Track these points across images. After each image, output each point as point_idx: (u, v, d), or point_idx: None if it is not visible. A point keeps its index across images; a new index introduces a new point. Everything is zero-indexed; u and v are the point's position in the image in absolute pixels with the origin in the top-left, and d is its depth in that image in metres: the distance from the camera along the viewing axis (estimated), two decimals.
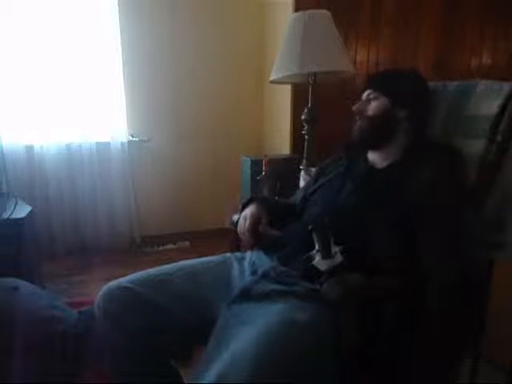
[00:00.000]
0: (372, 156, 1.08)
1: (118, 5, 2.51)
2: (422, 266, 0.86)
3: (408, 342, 0.82)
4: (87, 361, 1.31)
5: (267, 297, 0.86)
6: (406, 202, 0.89)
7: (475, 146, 0.97)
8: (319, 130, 1.77)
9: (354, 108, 1.03)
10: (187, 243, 2.89)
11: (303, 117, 1.77)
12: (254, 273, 0.99)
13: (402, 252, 0.88)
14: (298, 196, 1.28)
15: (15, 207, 1.81)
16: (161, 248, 2.82)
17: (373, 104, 1.00)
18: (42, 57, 2.41)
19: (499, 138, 0.94)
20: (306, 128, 1.77)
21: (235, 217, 1.40)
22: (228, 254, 1.15)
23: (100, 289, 0.98)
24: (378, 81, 1.03)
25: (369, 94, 1.03)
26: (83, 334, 1.35)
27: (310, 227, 0.92)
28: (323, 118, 1.73)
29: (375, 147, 1.05)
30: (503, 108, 0.94)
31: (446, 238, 0.86)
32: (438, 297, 0.82)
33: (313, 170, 1.55)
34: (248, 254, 1.11)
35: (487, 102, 0.97)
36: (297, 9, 2.30)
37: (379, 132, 1.01)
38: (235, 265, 1.06)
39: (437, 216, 0.88)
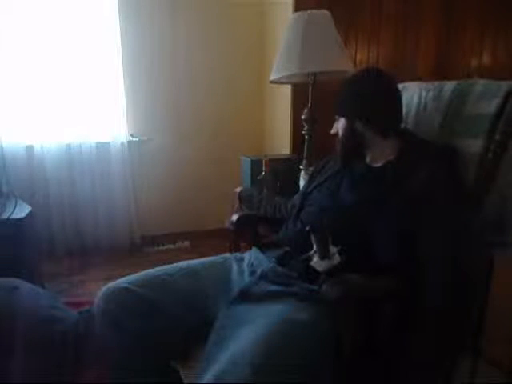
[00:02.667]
0: (368, 155, 1.09)
1: (118, 5, 2.51)
2: (420, 264, 0.86)
3: (407, 341, 0.82)
4: (87, 361, 1.31)
5: (266, 298, 0.86)
6: (403, 200, 0.90)
7: (474, 146, 0.97)
8: (319, 130, 1.77)
9: (331, 131, 1.14)
10: (187, 243, 2.89)
11: (303, 117, 1.77)
12: (252, 274, 0.99)
13: (400, 251, 0.88)
14: (296, 196, 1.28)
15: (15, 207, 1.81)
16: (161, 248, 2.82)
17: (338, 126, 1.11)
18: (42, 57, 2.41)
19: (497, 137, 0.94)
20: (305, 128, 1.77)
21: (234, 217, 1.41)
22: (227, 255, 1.15)
23: (100, 289, 0.98)
24: (336, 105, 1.12)
25: (336, 118, 1.14)
26: (83, 334, 1.35)
27: (307, 228, 0.92)
28: (323, 118, 1.73)
29: (357, 157, 1.10)
30: (501, 107, 0.93)
31: (444, 236, 0.86)
32: (437, 295, 0.82)
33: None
34: (247, 255, 1.11)
35: (485, 101, 0.97)
36: (297, 9, 2.30)
37: (350, 147, 1.10)
38: (234, 266, 1.07)
39: (435, 214, 0.88)
